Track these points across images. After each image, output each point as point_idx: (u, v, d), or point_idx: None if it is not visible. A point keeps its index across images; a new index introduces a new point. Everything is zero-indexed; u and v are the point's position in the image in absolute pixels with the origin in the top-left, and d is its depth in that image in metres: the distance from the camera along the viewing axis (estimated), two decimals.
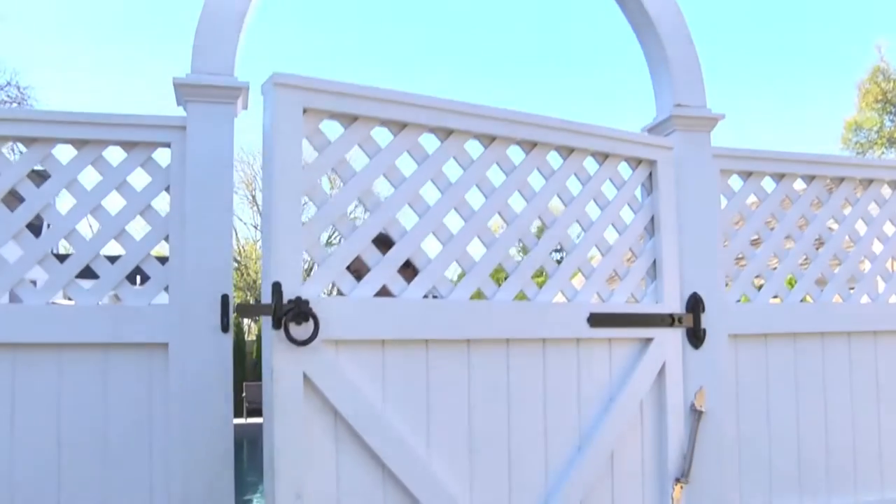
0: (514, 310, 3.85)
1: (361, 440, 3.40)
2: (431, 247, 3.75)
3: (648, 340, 4.17)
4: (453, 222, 3.74)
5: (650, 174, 4.33)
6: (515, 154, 3.94)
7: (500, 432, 3.75)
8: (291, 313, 3.26)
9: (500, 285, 3.87)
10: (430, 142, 3.71)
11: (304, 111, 3.41)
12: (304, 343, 3.26)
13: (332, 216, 3.52)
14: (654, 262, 4.31)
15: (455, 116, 3.72)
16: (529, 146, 3.96)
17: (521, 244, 3.98)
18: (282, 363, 3.27)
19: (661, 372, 4.19)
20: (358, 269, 3.61)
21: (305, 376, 3.31)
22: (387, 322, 3.54)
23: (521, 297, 3.91)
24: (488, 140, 3.85)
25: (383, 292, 3.58)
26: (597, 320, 4.00)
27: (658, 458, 4.18)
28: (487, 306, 3.78)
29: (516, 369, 3.81)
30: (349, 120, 3.54)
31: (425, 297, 3.68)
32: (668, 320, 4.23)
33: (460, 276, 3.80)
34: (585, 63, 79.77)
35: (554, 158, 4.05)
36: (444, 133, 3.74)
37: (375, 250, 3.57)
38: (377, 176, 3.59)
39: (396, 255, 3.61)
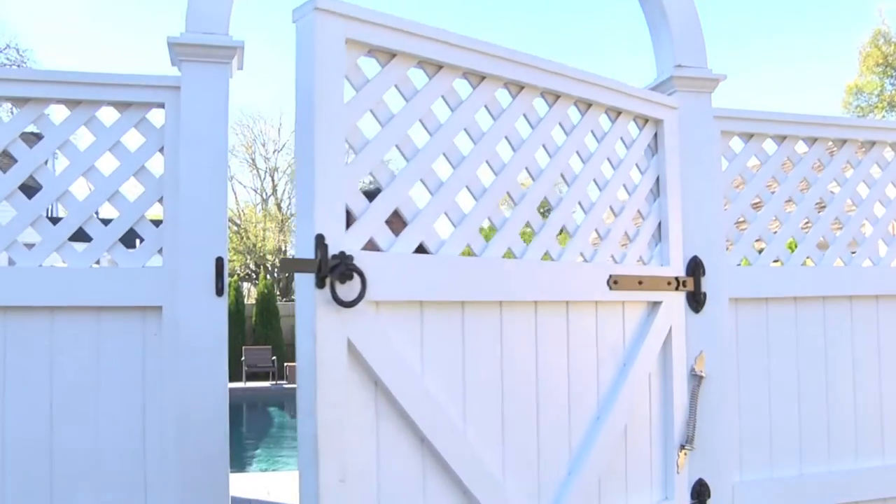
0: (542, 270, 3.69)
1: (403, 414, 3.15)
2: (463, 201, 3.54)
3: (657, 304, 4.13)
4: (484, 175, 3.57)
5: (655, 134, 4.28)
6: (540, 106, 3.81)
7: (529, 401, 3.61)
8: (338, 271, 2.92)
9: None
10: (461, 87, 3.52)
11: (346, 42, 3.10)
12: (351, 304, 2.93)
13: (372, 162, 3.19)
14: (659, 224, 4.26)
15: (488, 60, 3.53)
16: (553, 98, 3.83)
17: (545, 201, 3.83)
18: (326, 328, 2.92)
19: (668, 336, 4.15)
20: (393, 222, 3.32)
21: (349, 342, 2.98)
22: (427, 281, 3.27)
23: (546, 257, 3.76)
24: (517, 88, 3.69)
25: (418, 249, 3.33)
26: (616, 282, 3.91)
27: (664, 424, 4.15)
28: (518, 266, 3.61)
29: (543, 334, 3.68)
30: (387, 57, 3.28)
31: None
32: (674, 283, 4.18)
33: (487, 234, 3.63)
34: (576, 15, 79.49)
35: (573, 113, 3.93)
36: (477, 78, 3.56)
37: (412, 202, 3.33)
38: (414, 121, 3.34)
39: (435, 208, 3.37)
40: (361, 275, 2.97)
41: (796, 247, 4.71)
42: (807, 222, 4.73)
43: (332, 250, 2.95)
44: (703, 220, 4.36)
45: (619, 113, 4.08)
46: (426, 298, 3.26)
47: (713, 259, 4.36)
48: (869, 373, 4.78)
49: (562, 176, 3.86)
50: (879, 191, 4.93)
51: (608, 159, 4.04)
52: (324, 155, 2.97)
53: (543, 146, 3.79)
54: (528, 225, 3.73)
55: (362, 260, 3.01)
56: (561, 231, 3.89)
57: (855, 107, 42.38)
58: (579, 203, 3.92)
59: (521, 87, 3.69)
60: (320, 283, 2.91)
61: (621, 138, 4.11)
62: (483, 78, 3.55)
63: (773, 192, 4.68)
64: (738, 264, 4.58)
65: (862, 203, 4.88)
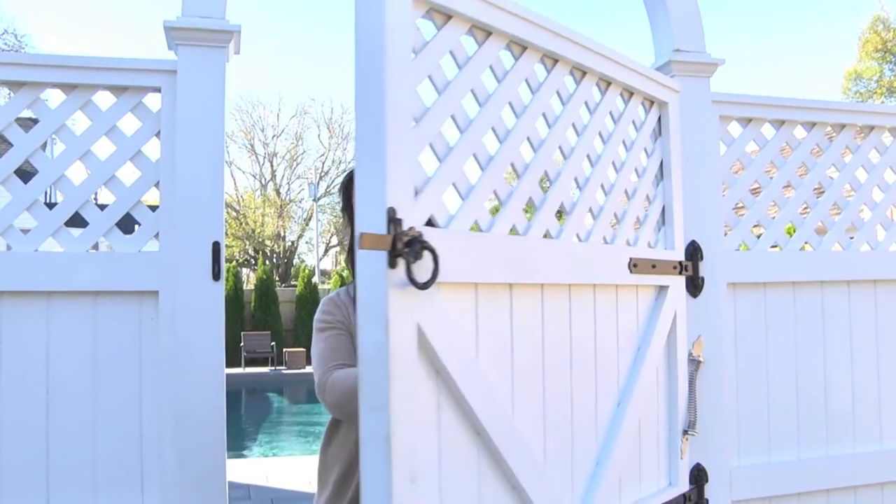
0: (576, 252, 3.51)
1: (464, 405, 2.82)
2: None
3: (664, 288, 4.07)
4: (525, 152, 3.34)
5: (658, 117, 4.23)
6: (569, 82, 3.62)
7: (564, 389, 3.41)
8: (414, 249, 2.51)
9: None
10: (505, 58, 3.26)
11: None
12: (425, 286, 2.52)
13: (431, 132, 2.84)
14: (663, 208, 4.22)
15: (531, 28, 3.26)
16: (580, 74, 3.64)
17: (576, 182, 3.68)
18: (398, 313, 2.52)
19: (674, 321, 4.11)
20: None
21: (419, 329, 2.62)
22: (483, 262, 2.95)
23: (574, 240, 3.57)
24: (552, 62, 3.47)
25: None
26: (635, 266, 3.81)
27: (669, 410, 4.11)
28: (558, 247, 3.40)
29: (576, 319, 3.50)
30: (443, 19, 2.94)
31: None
32: (679, 268, 4.15)
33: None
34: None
35: (595, 92, 3.76)
36: (519, 49, 3.29)
37: (466, 176, 3.02)
38: (467, 91, 3.04)
39: (487, 184, 3.08)
40: (434, 253, 2.58)
41: (795, 232, 4.70)
42: (805, 207, 4.73)
43: (404, 226, 2.56)
44: (701, 205, 4.35)
45: (631, 94, 3.99)
46: (481, 280, 2.97)
47: (711, 244, 4.35)
48: (867, 357, 4.78)
49: (587, 157, 3.69)
50: (878, 176, 4.91)
51: (623, 141, 3.93)
52: (395, 117, 2.59)
53: (573, 125, 3.61)
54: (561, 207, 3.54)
55: (430, 237, 2.61)
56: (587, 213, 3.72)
57: (854, 92, 42.33)
58: (601, 185, 3.78)
59: (556, 61, 3.49)
60: (392, 263, 2.52)
61: (633, 121, 4.01)
62: (524, 49, 3.32)
63: (771, 178, 4.66)
64: (737, 249, 4.56)
65: (860, 188, 4.87)
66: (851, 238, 4.82)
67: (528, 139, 3.33)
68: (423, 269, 2.53)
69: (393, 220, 2.51)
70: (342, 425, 3.49)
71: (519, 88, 3.29)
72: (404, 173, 2.60)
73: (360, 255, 2.57)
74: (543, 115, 3.41)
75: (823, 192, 4.80)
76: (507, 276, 3.08)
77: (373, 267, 2.53)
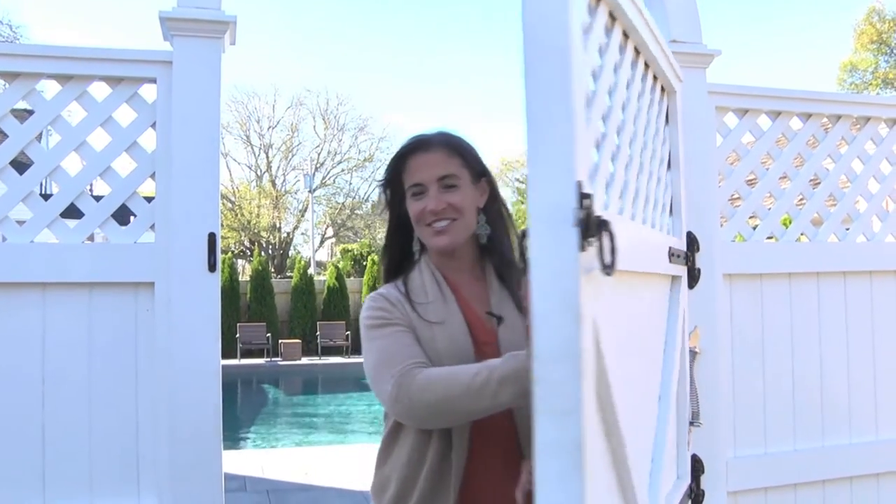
0: (647, 239, 3.20)
1: (609, 410, 2.44)
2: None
3: (677, 279, 3.92)
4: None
5: (667, 106, 4.13)
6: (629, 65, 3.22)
7: (638, 385, 3.07)
8: (605, 230, 2.08)
9: None
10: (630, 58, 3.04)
11: None
12: (609, 272, 2.13)
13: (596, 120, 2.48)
14: (672, 197, 4.10)
15: (643, 25, 3.01)
16: (636, 54, 3.26)
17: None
18: (587, 302, 2.11)
19: (684, 312, 4.05)
20: None
21: (594, 322, 2.24)
22: (638, 249, 2.72)
23: None
24: (624, 39, 3.03)
25: None
26: (671, 255, 3.64)
27: (678, 402, 4.09)
28: (641, 233, 3.11)
29: (642, 310, 3.22)
30: (611, 22, 2.69)
31: None
32: (684, 258, 4.10)
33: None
34: None
35: (644, 78, 3.45)
36: (610, 20, 2.85)
37: (615, 166, 2.73)
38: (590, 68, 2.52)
39: (626, 175, 2.82)
40: (613, 237, 2.14)
41: (791, 223, 4.70)
42: (801, 198, 4.72)
43: (586, 206, 2.10)
44: (697, 196, 4.33)
45: (656, 79, 3.71)
46: (640, 269, 2.78)
47: (708, 235, 4.35)
48: (863, 348, 4.79)
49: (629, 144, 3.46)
50: (873, 167, 4.90)
51: (654, 132, 3.76)
52: (575, 86, 2.09)
53: (622, 106, 3.30)
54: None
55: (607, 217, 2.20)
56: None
57: (849, 84, 42.36)
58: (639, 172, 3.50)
59: (627, 37, 3.06)
60: (583, 245, 2.08)
61: (656, 112, 3.87)
62: (614, 20, 2.88)
63: (767, 169, 4.65)
64: (733, 240, 4.56)
65: (856, 179, 4.86)
66: (847, 229, 4.81)
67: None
68: (603, 255, 2.15)
69: (583, 196, 2.08)
70: (402, 434, 3.07)
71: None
72: (582, 146, 2.16)
73: (539, 234, 2.11)
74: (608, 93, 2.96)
75: (819, 183, 4.79)
76: (638, 263, 2.82)
77: (559, 248, 2.09)
